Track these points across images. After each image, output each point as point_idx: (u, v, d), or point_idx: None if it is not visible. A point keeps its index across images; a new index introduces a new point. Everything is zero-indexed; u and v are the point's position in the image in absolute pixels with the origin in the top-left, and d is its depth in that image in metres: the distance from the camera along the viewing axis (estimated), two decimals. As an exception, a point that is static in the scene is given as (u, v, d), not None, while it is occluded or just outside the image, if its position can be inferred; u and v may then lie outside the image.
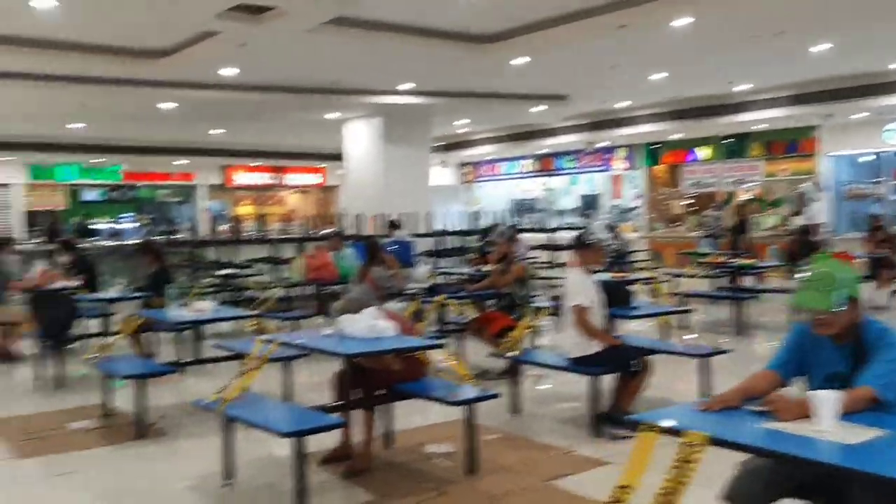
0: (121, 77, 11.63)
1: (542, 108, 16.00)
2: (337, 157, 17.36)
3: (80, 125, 16.78)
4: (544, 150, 22.09)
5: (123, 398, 6.14)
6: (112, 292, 8.49)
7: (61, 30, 9.26)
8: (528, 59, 11.20)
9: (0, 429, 5.90)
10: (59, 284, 8.45)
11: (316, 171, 25.60)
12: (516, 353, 6.00)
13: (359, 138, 15.90)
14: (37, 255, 11.54)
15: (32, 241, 16.17)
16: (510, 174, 24.28)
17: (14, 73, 11.20)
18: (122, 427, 5.83)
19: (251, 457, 4.88)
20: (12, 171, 20.60)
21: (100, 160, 21.17)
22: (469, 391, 4.64)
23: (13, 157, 19.86)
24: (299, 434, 3.90)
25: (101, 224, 21.22)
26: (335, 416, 4.49)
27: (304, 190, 26.52)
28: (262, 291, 10.85)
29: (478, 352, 7.49)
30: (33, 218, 21.12)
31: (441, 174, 23.48)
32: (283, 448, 4.78)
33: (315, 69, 11.91)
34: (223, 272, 12.28)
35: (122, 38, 9.96)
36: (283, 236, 14.33)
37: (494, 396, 4.83)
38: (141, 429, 5.59)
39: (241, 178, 24.70)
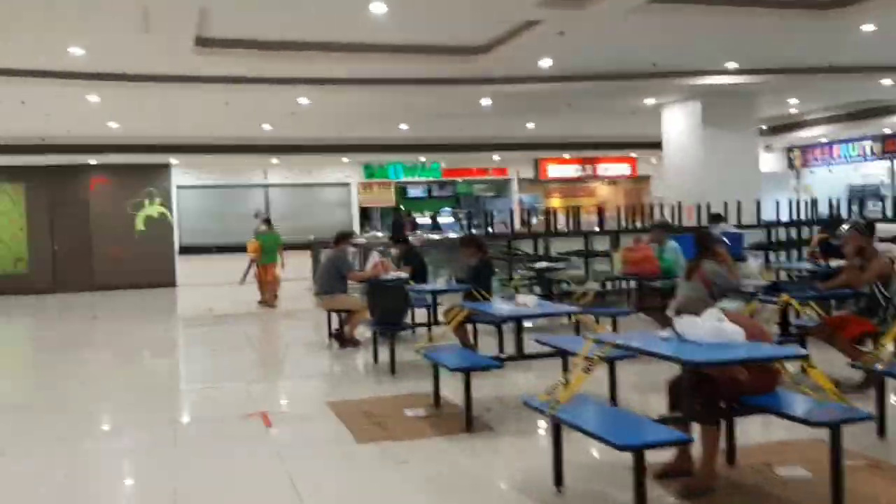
0: (443, 76, 12.14)
1: (893, 81, 13.94)
2: (646, 145, 16.69)
3: (406, 126, 17.96)
4: (891, 130, 19.34)
5: (450, 387, 6.24)
6: (437, 284, 8.83)
7: (390, 34, 9.81)
8: (877, 25, 9.72)
9: (342, 411, 6.29)
10: (391, 275, 8.96)
11: (627, 160, 24.99)
12: (882, 364, 5.08)
13: (677, 124, 15.11)
14: (372, 248, 12.45)
15: (366, 235, 17.62)
16: (849, 158, 21.62)
17: (352, 80, 12.18)
18: (450, 417, 5.91)
19: (574, 459, 4.61)
20: (350, 171, 22.77)
21: (422, 159, 22.62)
22: (836, 410, 3.93)
23: (350, 158, 21.95)
24: (641, 448, 3.55)
25: (422, 219, 22.64)
26: (677, 430, 4.04)
27: (613, 181, 26.06)
28: (577, 285, 10.68)
29: (825, 360, 6.55)
30: (366, 214, 23.14)
31: (764, 160, 21.61)
32: (608, 453, 4.47)
33: (632, 53, 11.43)
34: (537, 265, 12.31)
35: (443, 37, 10.33)
36: (597, 229, 14.03)
37: (869, 417, 4.06)
38: (468, 421, 5.61)
39: (553, 170, 24.89)
